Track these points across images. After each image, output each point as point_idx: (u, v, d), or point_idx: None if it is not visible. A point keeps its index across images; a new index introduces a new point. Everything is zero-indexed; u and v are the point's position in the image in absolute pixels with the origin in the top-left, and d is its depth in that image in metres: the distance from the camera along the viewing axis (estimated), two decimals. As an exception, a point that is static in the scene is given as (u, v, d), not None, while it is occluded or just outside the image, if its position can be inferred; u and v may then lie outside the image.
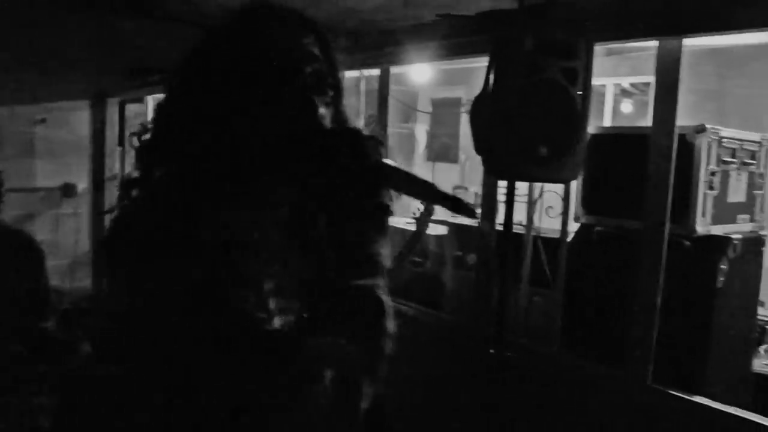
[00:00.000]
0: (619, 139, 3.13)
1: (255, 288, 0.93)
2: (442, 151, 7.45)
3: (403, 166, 0.98)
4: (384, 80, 3.92)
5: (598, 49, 5.12)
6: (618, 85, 6.65)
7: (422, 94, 7.47)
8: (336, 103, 1.02)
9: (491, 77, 2.24)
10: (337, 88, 1.04)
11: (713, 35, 2.70)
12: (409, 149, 7.70)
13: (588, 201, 3.11)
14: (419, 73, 5.87)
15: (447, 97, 7.27)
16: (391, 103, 4.08)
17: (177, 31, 4.09)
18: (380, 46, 3.77)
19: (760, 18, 2.41)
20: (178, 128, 0.99)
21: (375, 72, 4.04)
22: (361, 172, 0.92)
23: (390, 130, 4.03)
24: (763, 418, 2.59)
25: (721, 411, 2.61)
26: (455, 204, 0.96)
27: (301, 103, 0.96)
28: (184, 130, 0.98)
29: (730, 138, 2.91)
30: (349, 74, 4.88)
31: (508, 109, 2.19)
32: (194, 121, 0.97)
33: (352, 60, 4.10)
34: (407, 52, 3.64)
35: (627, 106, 6.87)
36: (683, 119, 2.73)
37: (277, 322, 0.92)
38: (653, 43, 2.65)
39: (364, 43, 3.91)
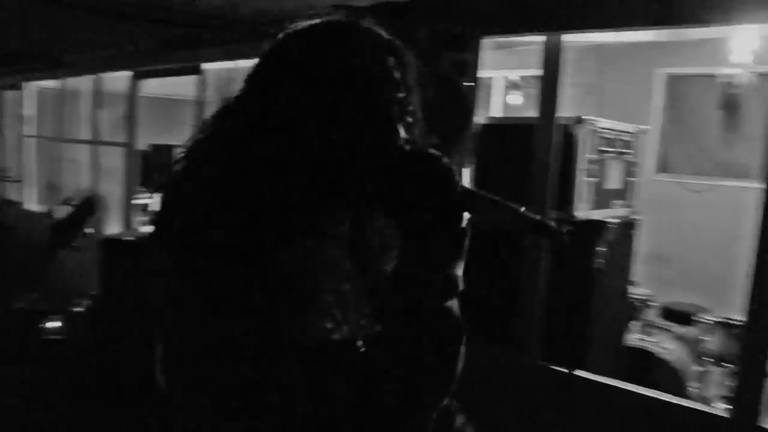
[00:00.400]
0: (506, 129, 3.26)
1: (321, 298, 0.93)
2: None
3: (487, 193, 0.97)
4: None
5: (488, 43, 5.31)
6: (507, 78, 6.91)
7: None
8: (411, 129, 1.02)
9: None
10: (414, 114, 1.03)
11: (593, 32, 2.87)
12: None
13: (478, 189, 3.23)
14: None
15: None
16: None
17: (59, 15, 3.92)
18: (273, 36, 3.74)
19: (634, 17, 2.60)
20: (254, 130, 0.98)
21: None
22: (446, 198, 0.91)
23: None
24: (637, 386, 2.81)
25: (601, 383, 2.81)
26: (545, 230, 0.96)
27: (387, 130, 0.97)
28: (261, 134, 0.97)
29: (607, 129, 3.11)
30: (245, 64, 4.84)
31: (402, 99, 2.25)
32: (272, 127, 0.97)
33: (248, 49, 4.06)
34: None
35: (516, 98, 7.15)
36: (568, 111, 2.89)
37: (344, 332, 0.93)
38: (540, 38, 2.79)
39: (258, 32, 3.87)
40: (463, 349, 0.92)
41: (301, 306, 0.91)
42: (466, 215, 0.93)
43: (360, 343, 0.91)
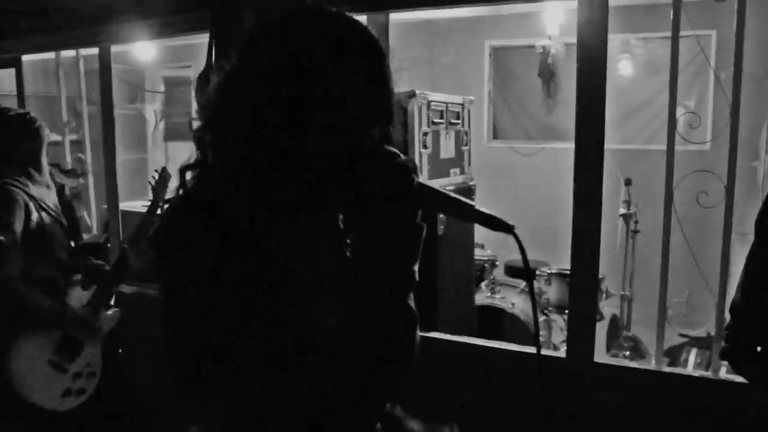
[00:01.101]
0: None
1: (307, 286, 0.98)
2: (177, 130, 7.28)
3: (438, 187, 1.02)
4: (104, 59, 3.72)
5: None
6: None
7: (149, 73, 7.18)
8: (385, 126, 1.04)
9: (213, 53, 2.27)
10: (389, 111, 1.05)
11: (415, 10, 2.97)
12: (140, 130, 7.39)
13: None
14: (144, 51, 5.64)
15: (179, 76, 7.10)
16: (116, 83, 3.89)
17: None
18: (98, 22, 3.55)
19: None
20: (241, 120, 0.97)
21: (94, 51, 3.81)
22: (400, 194, 0.95)
23: (117, 111, 3.84)
24: (486, 341, 3.00)
25: (453, 341, 2.97)
26: (494, 222, 1.00)
27: (360, 126, 0.98)
28: (248, 123, 0.96)
29: (438, 101, 3.25)
30: (66, 54, 4.55)
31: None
32: (259, 115, 0.96)
33: (69, 38, 3.83)
34: (128, 29, 3.48)
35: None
36: (402, 86, 2.98)
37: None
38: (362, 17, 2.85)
39: (81, 19, 3.65)
40: (418, 339, 1.00)
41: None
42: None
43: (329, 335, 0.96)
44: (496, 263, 4.78)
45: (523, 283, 4.62)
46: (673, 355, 3.95)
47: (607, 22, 2.44)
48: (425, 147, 3.13)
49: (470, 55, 6.15)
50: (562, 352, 2.77)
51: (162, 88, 7.53)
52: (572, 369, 2.61)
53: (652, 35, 5.44)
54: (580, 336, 2.63)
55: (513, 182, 5.97)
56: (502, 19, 5.70)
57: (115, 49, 3.82)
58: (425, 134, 3.13)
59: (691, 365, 3.77)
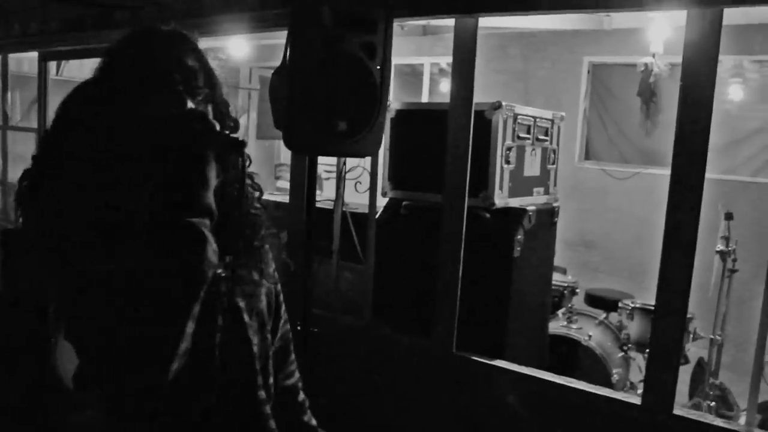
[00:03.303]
0: (423, 114, 3.20)
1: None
2: (272, 129, 7.35)
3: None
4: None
5: (414, 29, 5.22)
6: (436, 65, 6.88)
7: (243, 71, 7.30)
8: (213, 99, 1.26)
9: (289, 51, 2.18)
10: (212, 85, 1.26)
11: (505, 15, 2.81)
12: (232, 126, 7.50)
13: (394, 176, 3.16)
14: (237, 48, 5.70)
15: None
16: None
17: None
18: (187, 15, 3.58)
19: (550, 1, 2.55)
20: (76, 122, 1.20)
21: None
22: (190, 137, 1.12)
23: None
24: (555, 376, 2.79)
25: (519, 372, 2.78)
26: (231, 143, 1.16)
27: (171, 98, 1.18)
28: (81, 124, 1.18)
29: (525, 115, 3.07)
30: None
31: (306, 83, 2.14)
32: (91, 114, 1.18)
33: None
34: (216, 23, 3.49)
35: (445, 85, 7.12)
36: (494, 97, 2.83)
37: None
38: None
39: (171, 12, 3.70)
40: (210, 255, 1.07)
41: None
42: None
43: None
44: (577, 291, 4.53)
45: (603, 315, 4.35)
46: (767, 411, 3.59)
47: (719, 41, 2.21)
48: (507, 162, 2.96)
49: (567, 71, 5.91)
50: (636, 398, 2.52)
51: (257, 86, 7.64)
52: (647, 419, 2.37)
53: (768, 59, 5.05)
54: (659, 382, 2.39)
55: (603, 206, 5.69)
56: (603, 35, 5.44)
57: (208, 44, 3.84)
58: (509, 149, 2.95)
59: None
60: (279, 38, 4.85)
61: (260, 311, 1.35)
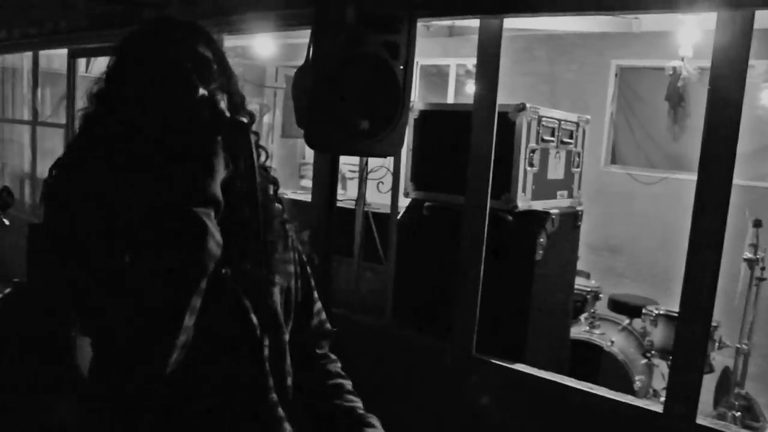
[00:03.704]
0: (446, 115, 3.18)
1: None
2: (296, 127, 7.38)
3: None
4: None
5: (440, 29, 5.20)
6: (462, 66, 6.84)
7: (270, 70, 7.34)
8: (228, 89, 1.23)
9: (312, 49, 2.19)
10: (227, 76, 1.24)
11: (531, 16, 2.78)
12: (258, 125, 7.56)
13: (417, 176, 3.15)
14: (263, 46, 5.73)
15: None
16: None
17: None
18: (213, 13, 3.61)
19: (577, 2, 2.52)
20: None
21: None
22: (198, 123, 1.12)
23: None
24: (576, 381, 2.76)
25: (538, 377, 2.75)
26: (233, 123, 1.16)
27: (184, 85, 1.15)
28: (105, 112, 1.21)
29: (550, 117, 3.04)
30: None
31: (329, 81, 2.14)
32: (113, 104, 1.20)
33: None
34: (242, 21, 3.51)
35: (471, 87, 7.09)
36: (520, 99, 2.80)
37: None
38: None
39: (198, 10, 3.73)
40: (212, 246, 1.06)
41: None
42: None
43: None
44: (600, 295, 4.47)
45: (626, 320, 4.29)
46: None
47: (749, 44, 2.16)
48: (531, 165, 2.93)
49: (594, 74, 5.84)
50: (659, 406, 2.48)
51: (283, 84, 7.68)
52: (669, 428, 2.33)
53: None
54: (682, 391, 2.35)
55: (628, 211, 5.62)
56: (631, 38, 5.37)
57: (234, 42, 3.86)
58: (533, 151, 2.92)
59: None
60: (304, 37, 4.87)
61: (271, 310, 1.28)
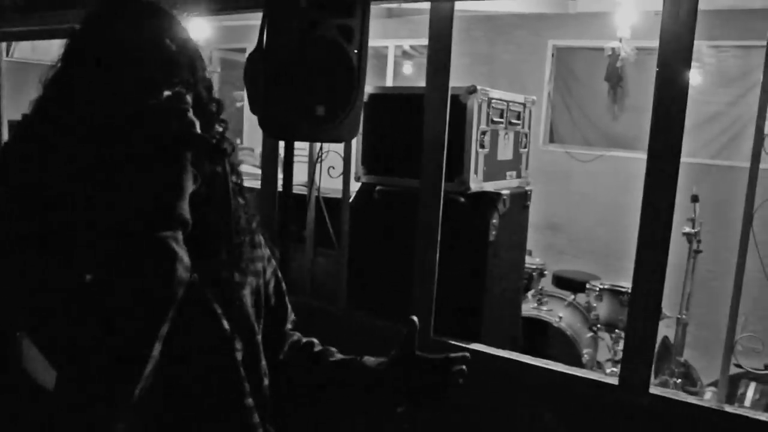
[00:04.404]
0: (397, 99, 3.16)
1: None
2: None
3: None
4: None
5: (379, 11, 5.17)
6: (400, 47, 6.83)
7: (204, 54, 7.15)
8: (194, 86, 1.13)
9: (265, 34, 2.13)
10: (194, 70, 1.15)
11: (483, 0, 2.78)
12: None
13: (368, 160, 3.13)
14: (199, 30, 5.56)
15: (237, 59, 7.07)
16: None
17: None
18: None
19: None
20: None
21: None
22: (165, 135, 0.99)
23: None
24: (533, 358, 2.81)
25: (496, 355, 2.79)
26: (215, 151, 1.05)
27: (143, 87, 1.04)
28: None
29: (499, 99, 3.06)
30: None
31: (282, 66, 2.09)
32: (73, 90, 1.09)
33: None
34: (183, 2, 3.38)
35: (408, 68, 7.10)
36: (458, 81, 2.81)
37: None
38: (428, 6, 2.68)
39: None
40: (180, 273, 0.95)
41: None
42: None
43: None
44: (545, 272, 4.58)
45: (571, 296, 4.41)
46: (728, 386, 3.69)
47: (695, 26, 2.23)
48: (482, 147, 2.95)
49: (531, 54, 5.93)
50: (614, 378, 2.55)
51: (218, 69, 7.50)
52: (626, 398, 2.41)
53: (725, 44, 5.14)
54: (636, 363, 2.42)
55: (567, 188, 5.74)
56: (568, 18, 5.47)
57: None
58: (483, 133, 2.94)
59: (749, 401, 3.51)
60: (242, 20, 4.75)
61: (243, 313, 1.23)
